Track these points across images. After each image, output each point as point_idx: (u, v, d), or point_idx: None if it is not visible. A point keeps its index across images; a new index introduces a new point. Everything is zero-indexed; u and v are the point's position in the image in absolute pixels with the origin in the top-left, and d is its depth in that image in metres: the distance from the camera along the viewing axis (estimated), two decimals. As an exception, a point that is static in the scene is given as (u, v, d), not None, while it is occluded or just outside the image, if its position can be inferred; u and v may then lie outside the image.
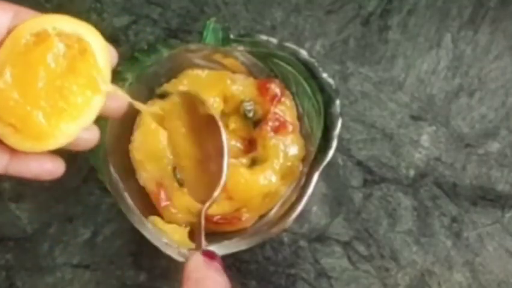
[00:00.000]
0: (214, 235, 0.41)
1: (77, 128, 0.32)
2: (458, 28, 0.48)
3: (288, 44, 0.42)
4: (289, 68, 0.43)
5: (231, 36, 0.43)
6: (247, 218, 0.42)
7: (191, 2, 0.49)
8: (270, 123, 0.42)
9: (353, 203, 0.46)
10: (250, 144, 0.44)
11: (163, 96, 0.43)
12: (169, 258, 0.39)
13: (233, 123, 0.44)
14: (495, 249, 0.46)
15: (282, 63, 0.43)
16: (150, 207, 0.42)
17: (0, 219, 0.46)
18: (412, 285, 0.45)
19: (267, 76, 0.43)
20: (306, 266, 0.45)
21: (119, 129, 0.42)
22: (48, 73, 0.31)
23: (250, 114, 0.43)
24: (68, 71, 0.32)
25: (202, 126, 0.37)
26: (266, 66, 0.43)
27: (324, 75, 0.42)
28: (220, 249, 0.39)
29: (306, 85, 0.42)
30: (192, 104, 0.37)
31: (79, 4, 0.48)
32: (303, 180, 0.41)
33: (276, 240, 0.45)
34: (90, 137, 0.34)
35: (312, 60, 0.42)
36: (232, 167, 0.41)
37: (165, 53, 0.43)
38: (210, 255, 0.33)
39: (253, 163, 0.42)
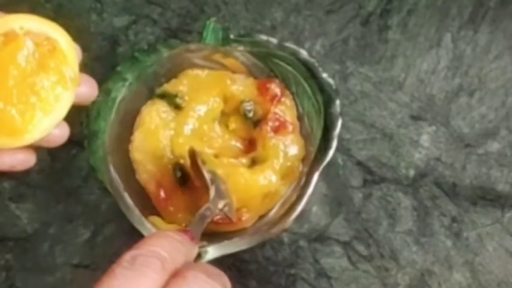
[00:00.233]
0: (214, 235, 0.41)
1: (50, 123, 0.34)
2: (458, 28, 0.48)
3: (288, 44, 0.42)
4: (289, 68, 0.43)
5: (231, 36, 0.43)
6: (247, 218, 0.42)
7: (191, 2, 0.48)
8: (270, 123, 0.42)
9: (353, 203, 0.46)
10: (250, 144, 0.44)
11: (163, 96, 0.43)
12: (169, 258, 0.39)
13: (233, 123, 0.44)
14: (495, 249, 0.46)
15: (282, 63, 0.43)
16: (150, 207, 0.42)
17: (0, 219, 0.46)
18: (412, 285, 0.45)
19: (267, 76, 0.43)
20: (306, 266, 0.45)
21: (118, 129, 0.42)
22: (20, 71, 0.32)
23: (250, 114, 0.43)
24: (39, 68, 0.33)
25: None
26: (266, 66, 0.43)
27: (324, 75, 0.42)
28: (220, 249, 0.39)
29: (306, 85, 0.42)
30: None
31: (79, 4, 0.48)
32: (303, 180, 0.41)
33: (276, 240, 0.45)
34: (60, 133, 0.35)
35: (312, 60, 0.42)
36: (232, 167, 0.42)
37: (165, 53, 0.43)
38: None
39: (253, 163, 0.42)
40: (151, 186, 0.42)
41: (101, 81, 0.41)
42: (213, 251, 0.38)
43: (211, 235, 0.40)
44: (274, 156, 0.42)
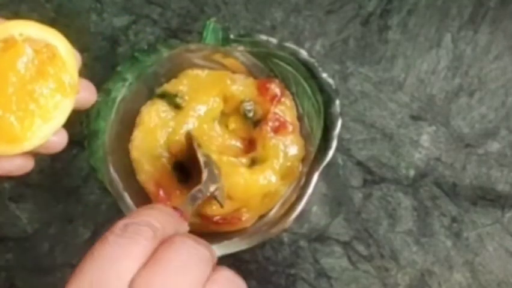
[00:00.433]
0: (214, 235, 0.41)
1: (50, 130, 0.33)
2: (458, 28, 0.48)
3: (288, 44, 0.42)
4: (289, 68, 0.43)
5: (231, 36, 0.43)
6: (247, 218, 0.42)
7: (191, 2, 0.49)
8: (270, 123, 0.42)
9: (353, 203, 0.46)
10: (250, 144, 0.44)
11: (163, 96, 0.43)
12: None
13: (233, 123, 0.44)
14: (495, 249, 0.46)
15: (282, 63, 0.43)
16: (150, 207, 0.42)
17: (0, 219, 0.46)
18: (412, 285, 0.45)
19: (267, 76, 0.43)
20: (306, 266, 0.45)
21: (118, 129, 0.42)
22: (19, 78, 0.32)
23: (250, 114, 0.43)
24: (38, 75, 0.33)
25: None
26: (266, 66, 0.43)
27: (324, 75, 0.42)
28: (220, 249, 0.39)
29: (306, 85, 0.42)
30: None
31: (79, 4, 0.48)
32: (303, 180, 0.42)
33: (276, 240, 0.45)
34: (59, 140, 0.35)
35: (312, 60, 0.42)
36: (232, 167, 0.42)
37: (165, 53, 0.43)
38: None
39: (253, 163, 0.42)
40: (150, 185, 0.42)
41: (101, 81, 0.41)
42: (212, 251, 0.38)
43: (211, 235, 0.40)
44: (274, 156, 0.42)
